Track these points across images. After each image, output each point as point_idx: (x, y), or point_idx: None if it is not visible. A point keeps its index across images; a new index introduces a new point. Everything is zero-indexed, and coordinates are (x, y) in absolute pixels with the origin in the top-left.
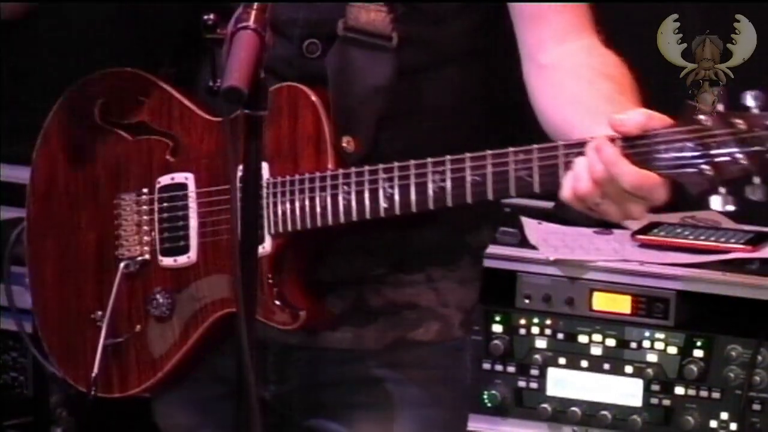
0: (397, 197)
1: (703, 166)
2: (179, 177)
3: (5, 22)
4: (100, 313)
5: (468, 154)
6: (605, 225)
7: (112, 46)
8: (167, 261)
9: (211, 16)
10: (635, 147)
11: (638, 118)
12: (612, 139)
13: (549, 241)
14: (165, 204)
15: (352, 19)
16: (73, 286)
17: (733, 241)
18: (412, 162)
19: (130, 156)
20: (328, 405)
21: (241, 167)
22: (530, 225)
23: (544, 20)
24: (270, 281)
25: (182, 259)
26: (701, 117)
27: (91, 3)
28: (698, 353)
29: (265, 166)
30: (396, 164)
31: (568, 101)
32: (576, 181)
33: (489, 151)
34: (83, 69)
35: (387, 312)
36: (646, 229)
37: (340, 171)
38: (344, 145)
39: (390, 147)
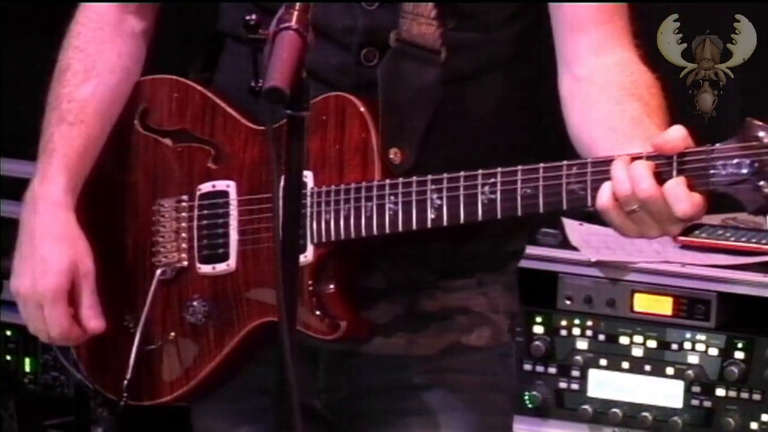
0: (445, 209)
1: (761, 183)
2: (221, 185)
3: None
4: (133, 319)
5: (520, 167)
6: None
7: (156, 47)
8: (205, 268)
9: (253, 17)
10: (691, 163)
11: (680, 133)
12: (668, 157)
13: (590, 243)
14: (205, 211)
15: (404, 31)
16: (107, 292)
17: None
18: (462, 173)
19: (170, 163)
20: (379, 412)
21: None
22: (572, 226)
23: (583, 31)
24: (311, 290)
25: (221, 267)
26: (760, 134)
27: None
28: (739, 355)
29: (309, 175)
30: (445, 175)
31: (595, 119)
32: (618, 184)
33: (542, 164)
34: None
35: (440, 317)
36: (687, 231)
37: (388, 181)
38: (391, 156)
39: (434, 155)
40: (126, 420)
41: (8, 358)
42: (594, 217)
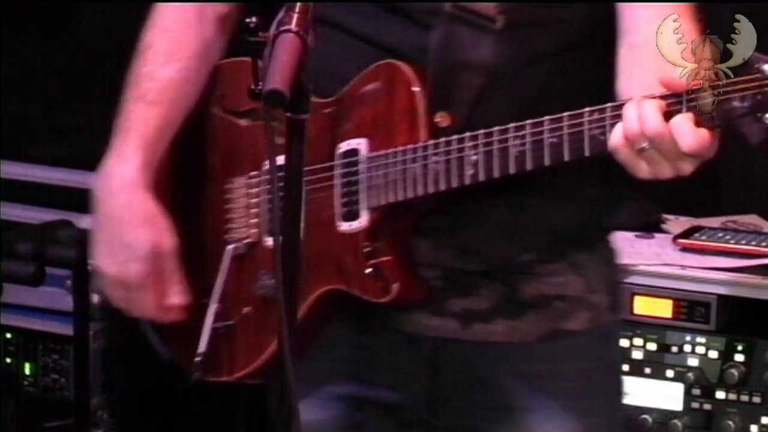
0: (481, 164)
1: (764, 115)
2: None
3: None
4: (211, 297)
5: (547, 117)
6: (646, 229)
7: None
8: (270, 242)
9: (253, 19)
10: (695, 100)
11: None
12: (678, 95)
13: None
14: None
15: None
16: (185, 271)
17: None
18: (496, 128)
19: (242, 141)
20: (482, 399)
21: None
22: None
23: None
24: (365, 253)
25: None
26: (764, 67)
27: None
28: (739, 357)
29: (363, 142)
30: (481, 131)
31: (635, 78)
32: (628, 123)
33: (566, 113)
34: (127, 71)
35: (537, 304)
36: (687, 234)
37: (430, 142)
38: (438, 120)
39: (483, 121)
40: (126, 422)
41: (8, 360)
42: None
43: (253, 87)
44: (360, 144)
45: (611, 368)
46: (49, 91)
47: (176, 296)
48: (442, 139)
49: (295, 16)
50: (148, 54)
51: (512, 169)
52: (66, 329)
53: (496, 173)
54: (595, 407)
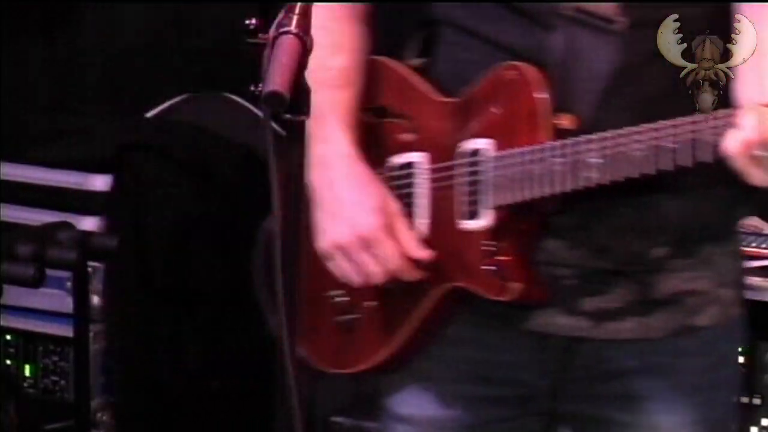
0: (601, 167)
1: None
2: (411, 156)
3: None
4: (337, 291)
5: (664, 122)
6: None
7: (158, 52)
8: None
9: (253, 21)
10: None
11: None
12: None
13: None
14: (395, 182)
15: None
16: (316, 266)
17: None
18: (616, 132)
19: (370, 138)
20: (609, 395)
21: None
22: None
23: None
24: (488, 251)
25: None
26: None
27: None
28: (739, 359)
29: (489, 142)
30: (600, 135)
31: (749, 78)
32: (745, 130)
33: (682, 118)
34: (128, 74)
35: (669, 301)
36: None
37: (553, 143)
38: (560, 121)
39: (605, 123)
40: (126, 424)
41: (8, 362)
42: None
43: (252, 88)
44: (484, 144)
45: (734, 363)
46: (48, 93)
47: (418, 251)
48: (563, 142)
49: (295, 17)
50: (314, 52)
51: (629, 173)
52: (66, 331)
53: (614, 177)
54: (717, 401)
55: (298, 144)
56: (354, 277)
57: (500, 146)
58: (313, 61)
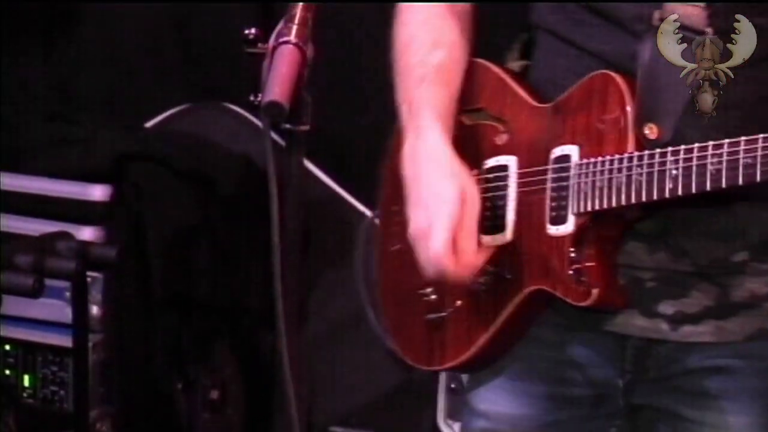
0: (680, 179)
1: None
2: (504, 159)
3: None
4: (428, 289)
5: (743, 138)
6: None
7: (157, 62)
8: (486, 239)
9: (252, 31)
10: None
11: None
12: None
13: None
14: (488, 184)
15: (668, 11)
16: (407, 264)
17: None
18: (696, 145)
19: (465, 139)
20: (680, 391)
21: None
22: None
23: None
24: (570, 257)
25: (499, 237)
26: None
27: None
28: None
29: (575, 149)
30: (682, 147)
31: None
32: None
33: (761, 135)
34: (128, 85)
35: (747, 305)
36: None
37: (635, 153)
38: (646, 131)
39: (691, 138)
40: None
41: (7, 372)
42: None
43: (252, 98)
44: (572, 150)
45: None
46: (48, 103)
47: (465, 255)
48: (646, 152)
49: (295, 27)
50: (413, 46)
51: (707, 187)
52: (65, 341)
53: (693, 189)
54: None
55: (297, 153)
56: (424, 267)
57: (587, 153)
58: (414, 56)
